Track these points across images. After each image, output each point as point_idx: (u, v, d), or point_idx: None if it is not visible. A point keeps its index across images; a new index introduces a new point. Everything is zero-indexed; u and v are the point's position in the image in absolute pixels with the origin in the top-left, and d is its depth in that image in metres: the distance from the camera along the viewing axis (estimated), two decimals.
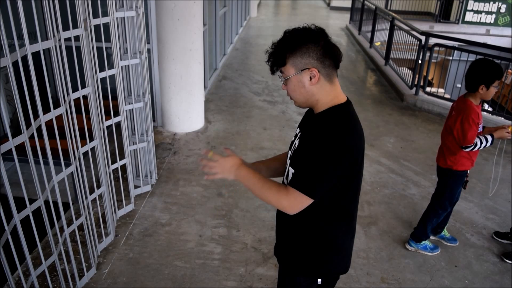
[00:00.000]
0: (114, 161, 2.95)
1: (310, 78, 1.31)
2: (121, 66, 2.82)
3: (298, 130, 1.50)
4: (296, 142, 1.43)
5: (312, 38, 1.30)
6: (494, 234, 3.08)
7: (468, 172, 2.66)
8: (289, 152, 1.49)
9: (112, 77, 2.69)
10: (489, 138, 2.50)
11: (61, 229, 2.22)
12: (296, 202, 1.33)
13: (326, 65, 1.31)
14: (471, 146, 2.49)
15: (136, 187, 3.34)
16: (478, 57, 5.04)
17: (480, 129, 2.53)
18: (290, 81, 1.35)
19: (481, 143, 2.49)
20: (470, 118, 2.44)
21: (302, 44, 1.29)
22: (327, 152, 1.27)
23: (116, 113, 2.82)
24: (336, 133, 1.29)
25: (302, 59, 1.30)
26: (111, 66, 2.71)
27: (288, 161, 1.47)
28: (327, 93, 1.35)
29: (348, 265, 1.56)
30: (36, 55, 1.80)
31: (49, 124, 1.95)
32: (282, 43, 1.32)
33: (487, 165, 4.10)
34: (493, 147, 3.13)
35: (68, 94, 2.15)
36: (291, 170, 1.41)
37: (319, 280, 1.51)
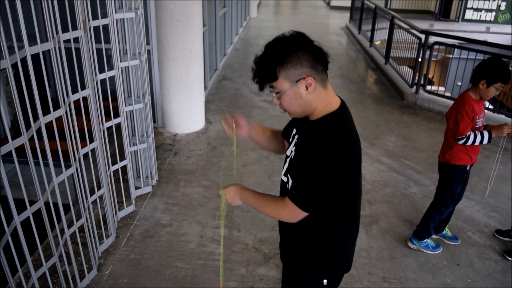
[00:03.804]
0: (114, 162, 2.94)
1: (306, 87, 1.25)
2: (121, 68, 2.82)
3: (294, 131, 1.48)
4: (293, 150, 1.41)
5: (300, 45, 1.23)
6: (496, 232, 3.07)
7: (468, 168, 2.65)
8: (287, 159, 1.46)
9: (112, 79, 2.69)
10: (486, 134, 2.49)
11: (62, 231, 2.22)
12: (293, 214, 1.35)
13: (319, 70, 1.26)
14: (463, 138, 2.48)
15: (136, 188, 3.34)
16: (478, 55, 5.05)
17: (479, 124, 2.53)
18: (285, 95, 1.27)
19: (475, 137, 2.48)
20: (463, 110, 2.46)
21: (291, 53, 1.21)
22: (323, 169, 1.25)
23: (116, 114, 2.82)
24: (332, 147, 1.24)
25: (295, 70, 1.22)
26: (110, 68, 2.71)
27: (286, 167, 1.46)
28: (323, 99, 1.30)
29: (351, 264, 1.57)
30: (35, 57, 1.80)
31: (49, 125, 1.95)
32: (268, 56, 1.24)
33: (488, 163, 4.09)
34: (494, 145, 3.13)
35: (68, 95, 2.15)
36: (290, 179, 1.40)
37: (325, 281, 1.51)
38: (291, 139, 1.49)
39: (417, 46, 5.91)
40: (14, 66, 1.68)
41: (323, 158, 1.24)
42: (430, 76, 7.87)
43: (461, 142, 2.50)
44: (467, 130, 2.47)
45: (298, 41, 1.24)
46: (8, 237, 1.76)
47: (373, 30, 8.72)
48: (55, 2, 1.92)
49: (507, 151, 4.30)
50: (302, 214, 1.34)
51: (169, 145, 4.28)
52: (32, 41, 1.82)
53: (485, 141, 2.50)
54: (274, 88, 1.29)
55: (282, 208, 1.36)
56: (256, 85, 1.31)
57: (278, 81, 1.25)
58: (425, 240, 2.86)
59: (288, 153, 1.47)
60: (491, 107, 5.45)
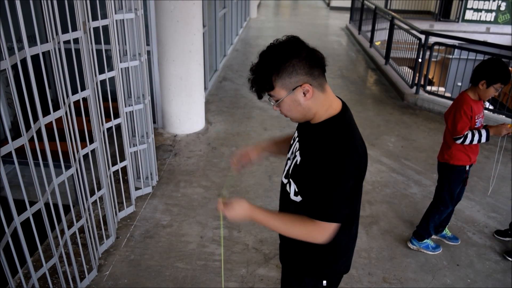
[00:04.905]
0: (114, 163, 2.95)
1: (304, 93, 1.24)
2: (121, 68, 2.82)
3: (296, 134, 1.47)
4: (297, 155, 1.38)
5: (293, 52, 1.21)
6: (495, 233, 3.07)
7: (467, 168, 2.65)
8: (288, 161, 1.45)
9: (112, 79, 2.69)
10: (484, 132, 2.50)
11: (62, 232, 2.23)
12: (328, 232, 1.31)
13: (316, 75, 1.24)
14: (461, 138, 2.49)
15: (136, 188, 3.34)
16: (478, 55, 5.06)
17: (478, 124, 2.53)
18: (284, 103, 1.27)
19: (473, 135, 2.49)
20: (462, 110, 2.46)
21: (286, 62, 1.20)
22: (339, 176, 1.23)
23: (116, 115, 2.83)
24: (342, 153, 1.23)
25: (291, 78, 1.22)
26: (110, 68, 2.71)
27: (287, 170, 1.45)
28: (322, 103, 1.29)
29: (350, 265, 1.57)
30: (35, 57, 1.80)
31: (49, 126, 1.96)
32: (263, 66, 1.23)
33: (488, 163, 4.09)
34: (495, 145, 3.13)
35: (67, 96, 2.15)
36: (293, 184, 1.39)
37: (324, 282, 1.51)
38: (292, 141, 1.49)
39: (417, 46, 5.91)
40: (14, 67, 1.68)
41: (336, 166, 1.23)
42: (430, 76, 7.87)
43: (459, 141, 2.51)
44: (465, 129, 2.48)
45: (291, 48, 1.22)
46: (8, 238, 1.76)
47: (373, 31, 8.72)
48: (55, 3, 1.93)
49: (507, 151, 4.30)
50: (336, 228, 1.31)
51: (169, 145, 4.29)
52: (32, 42, 1.82)
53: (483, 139, 2.50)
54: (272, 96, 1.28)
55: (314, 228, 1.30)
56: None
57: (275, 90, 1.25)
58: (425, 241, 2.86)
59: (289, 155, 1.47)
60: (491, 107, 5.45)
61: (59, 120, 2.03)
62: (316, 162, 1.27)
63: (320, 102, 1.29)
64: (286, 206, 1.49)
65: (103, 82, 2.60)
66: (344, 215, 1.32)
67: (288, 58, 1.20)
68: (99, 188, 2.63)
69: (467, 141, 2.49)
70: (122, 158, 3.00)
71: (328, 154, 1.24)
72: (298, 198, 1.39)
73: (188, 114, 4.47)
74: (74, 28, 2.14)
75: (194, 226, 3.05)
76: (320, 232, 1.30)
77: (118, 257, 2.71)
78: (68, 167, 2.16)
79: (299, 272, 1.52)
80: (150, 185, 3.45)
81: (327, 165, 1.23)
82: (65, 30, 2.07)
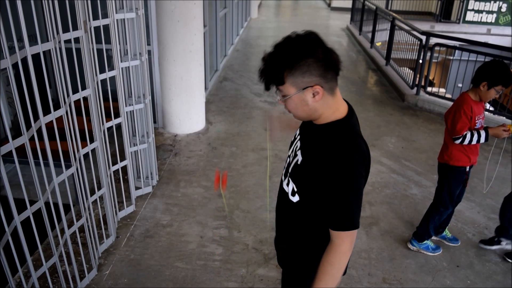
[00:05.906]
0: (115, 162, 2.95)
1: (313, 95, 1.21)
2: (122, 68, 2.82)
3: (298, 132, 1.47)
4: (299, 154, 1.36)
5: (310, 50, 1.16)
6: (481, 242, 2.97)
7: (467, 169, 2.65)
8: (288, 159, 1.44)
9: (113, 79, 2.69)
10: (483, 133, 2.50)
11: (62, 231, 2.23)
12: (351, 241, 1.29)
13: (329, 78, 1.20)
14: (460, 138, 2.49)
15: (137, 188, 3.34)
16: (479, 56, 5.05)
17: (478, 125, 2.53)
18: (291, 100, 1.24)
19: (472, 136, 2.48)
20: (462, 110, 2.46)
21: (301, 60, 1.15)
22: (350, 181, 1.22)
23: (117, 115, 2.83)
24: (348, 156, 1.22)
25: (303, 78, 1.17)
26: (111, 68, 2.72)
27: (286, 169, 1.44)
28: (330, 106, 1.27)
29: (347, 266, 1.57)
30: (36, 57, 1.80)
31: (49, 125, 1.96)
32: (276, 59, 1.18)
33: (488, 165, 4.08)
34: (495, 146, 3.13)
35: (68, 95, 2.15)
36: (292, 183, 1.37)
37: None
38: (292, 138, 1.48)
39: (418, 47, 5.91)
40: (15, 66, 1.68)
41: (346, 171, 1.21)
42: (430, 77, 7.87)
43: (458, 141, 2.51)
44: (464, 129, 2.48)
45: (309, 46, 1.17)
46: (8, 237, 1.76)
47: (374, 31, 8.72)
48: (56, 2, 1.93)
49: (507, 152, 4.30)
50: (355, 235, 1.30)
51: (170, 145, 4.29)
52: (33, 41, 1.83)
53: (482, 139, 2.50)
54: (280, 90, 1.26)
55: (342, 247, 1.28)
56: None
57: (284, 86, 1.21)
58: (425, 242, 2.85)
59: (289, 152, 1.46)
60: (491, 109, 5.44)
61: (59, 119, 2.03)
62: (321, 165, 1.24)
63: (328, 105, 1.27)
64: (283, 207, 1.49)
65: (103, 81, 2.60)
66: (359, 219, 1.30)
67: (304, 56, 1.16)
68: (99, 188, 2.63)
69: (466, 141, 2.49)
70: (123, 158, 3.00)
71: (335, 158, 1.21)
72: (296, 198, 1.38)
73: (188, 114, 4.47)
74: (75, 27, 2.14)
75: (194, 226, 3.05)
76: (348, 243, 1.28)
77: (118, 256, 2.71)
78: (68, 166, 2.16)
79: (300, 274, 1.52)
80: (150, 185, 3.45)
81: (336, 170, 1.21)
82: (66, 29, 2.07)
